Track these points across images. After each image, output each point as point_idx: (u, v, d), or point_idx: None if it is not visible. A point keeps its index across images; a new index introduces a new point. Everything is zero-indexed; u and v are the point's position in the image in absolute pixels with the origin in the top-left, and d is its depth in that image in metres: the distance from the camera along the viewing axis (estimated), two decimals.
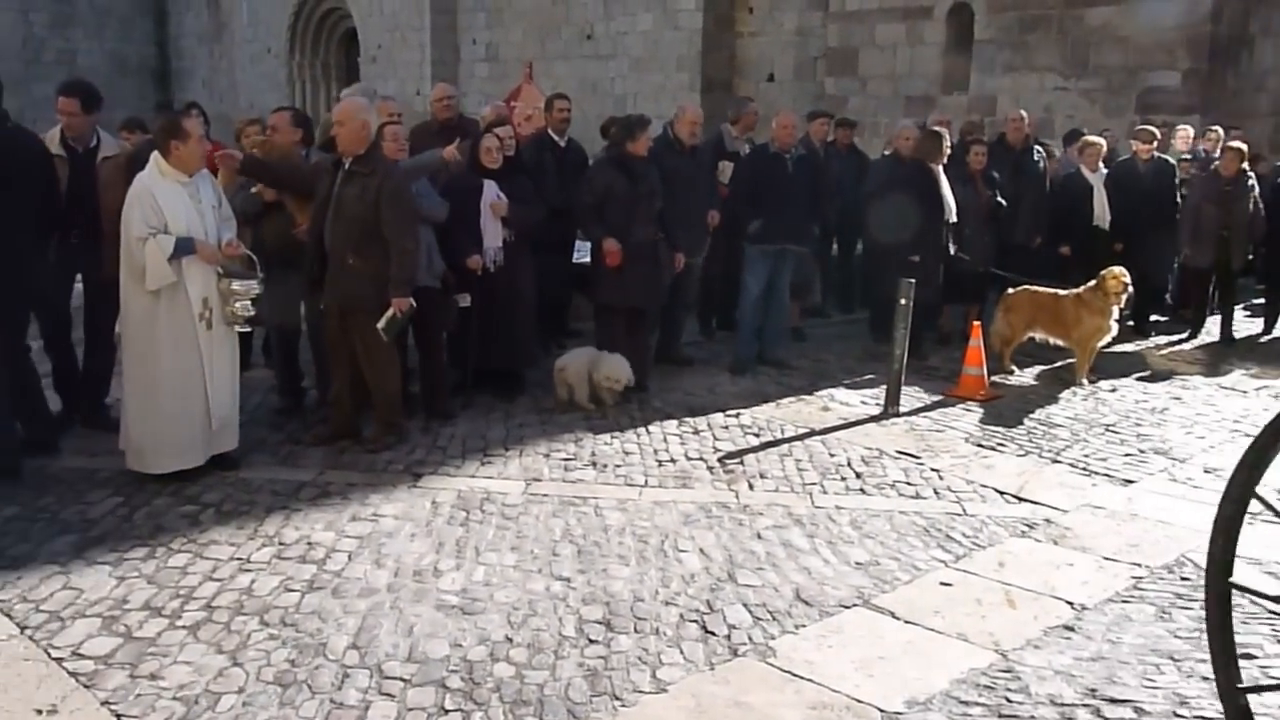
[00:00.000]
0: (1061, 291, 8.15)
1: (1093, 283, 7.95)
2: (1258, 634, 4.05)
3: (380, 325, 5.79)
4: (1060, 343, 8.27)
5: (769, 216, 7.80)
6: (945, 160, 8.33)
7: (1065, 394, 7.73)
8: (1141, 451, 6.44)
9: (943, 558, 4.81)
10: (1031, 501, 5.57)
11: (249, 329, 5.87)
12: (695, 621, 4.13)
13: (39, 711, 3.43)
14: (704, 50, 17.56)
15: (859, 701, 3.58)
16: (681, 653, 3.89)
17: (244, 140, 7.17)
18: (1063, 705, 3.58)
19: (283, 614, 4.08)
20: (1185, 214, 9.55)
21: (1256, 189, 9.53)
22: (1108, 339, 8.12)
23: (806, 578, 4.55)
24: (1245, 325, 10.13)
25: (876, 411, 7.09)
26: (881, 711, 3.53)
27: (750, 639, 4.01)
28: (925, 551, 4.87)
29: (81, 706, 3.46)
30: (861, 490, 5.68)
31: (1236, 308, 9.91)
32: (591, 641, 3.95)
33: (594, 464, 5.93)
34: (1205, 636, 4.04)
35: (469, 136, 7.24)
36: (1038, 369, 8.41)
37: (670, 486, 5.65)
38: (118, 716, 3.42)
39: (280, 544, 4.73)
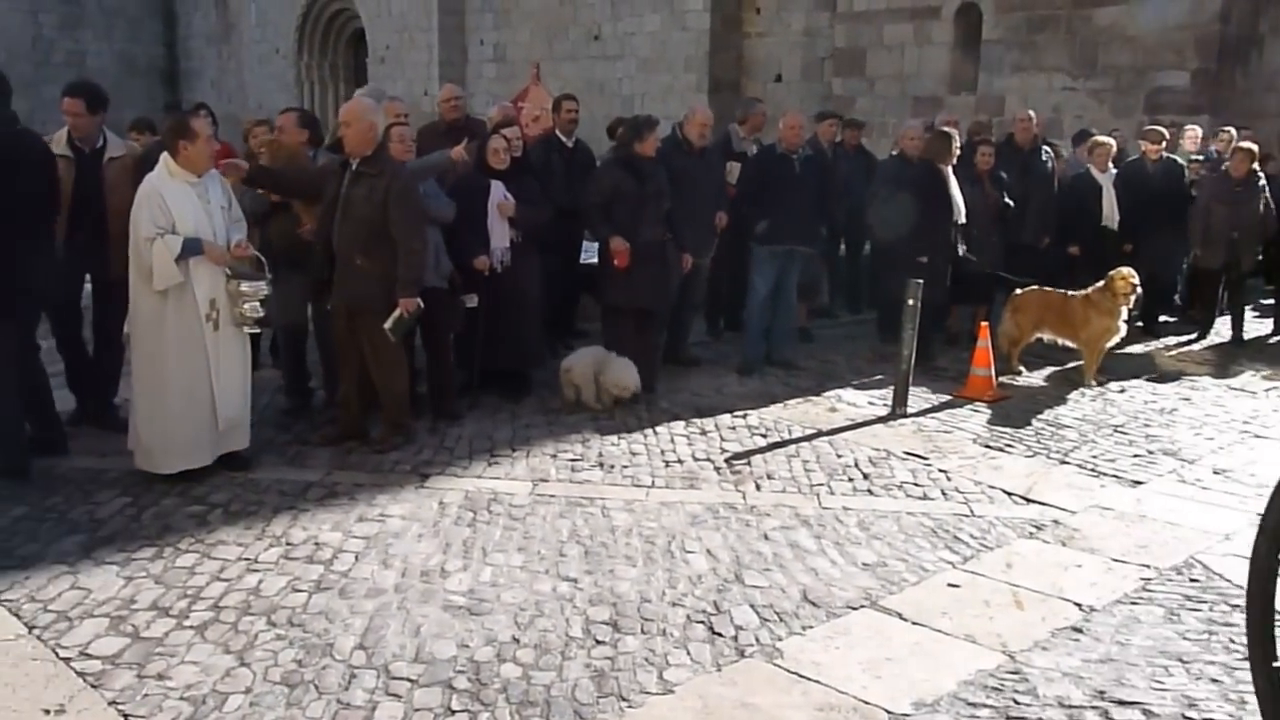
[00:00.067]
0: (1070, 292, 8.14)
1: (1101, 283, 7.93)
2: None
3: (387, 326, 5.79)
4: (1069, 344, 8.26)
5: (776, 217, 7.79)
6: (955, 161, 8.32)
7: (1073, 395, 7.70)
8: (1150, 452, 6.42)
9: (950, 559, 4.80)
10: (1039, 503, 5.55)
11: (258, 330, 5.88)
12: (702, 622, 4.12)
13: (47, 711, 3.44)
14: (711, 51, 17.56)
15: (866, 703, 3.58)
16: (688, 654, 3.89)
17: (252, 141, 7.18)
18: (1071, 707, 3.57)
19: (290, 614, 4.09)
20: (1196, 215, 9.52)
21: (1267, 190, 9.50)
22: (1116, 340, 8.10)
23: (814, 579, 4.54)
24: (1255, 326, 10.09)
25: (884, 412, 7.08)
26: (889, 713, 3.53)
27: (757, 640, 4.00)
28: (933, 553, 4.86)
29: (89, 706, 3.47)
30: (869, 491, 5.67)
31: (1246, 308, 9.87)
32: (598, 642, 3.95)
33: (601, 465, 5.93)
34: (1214, 638, 4.04)
35: (476, 137, 7.24)
36: (1046, 370, 8.39)
37: (677, 487, 5.65)
38: (125, 716, 3.42)
39: (287, 544, 4.74)
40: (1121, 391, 7.85)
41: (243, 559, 4.58)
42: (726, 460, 6.08)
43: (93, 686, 3.57)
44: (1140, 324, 9.60)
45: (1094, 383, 7.92)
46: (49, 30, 27.15)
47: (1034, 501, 5.57)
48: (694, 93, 17.09)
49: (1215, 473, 6.04)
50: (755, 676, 3.75)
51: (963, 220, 8.31)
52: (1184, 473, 6.05)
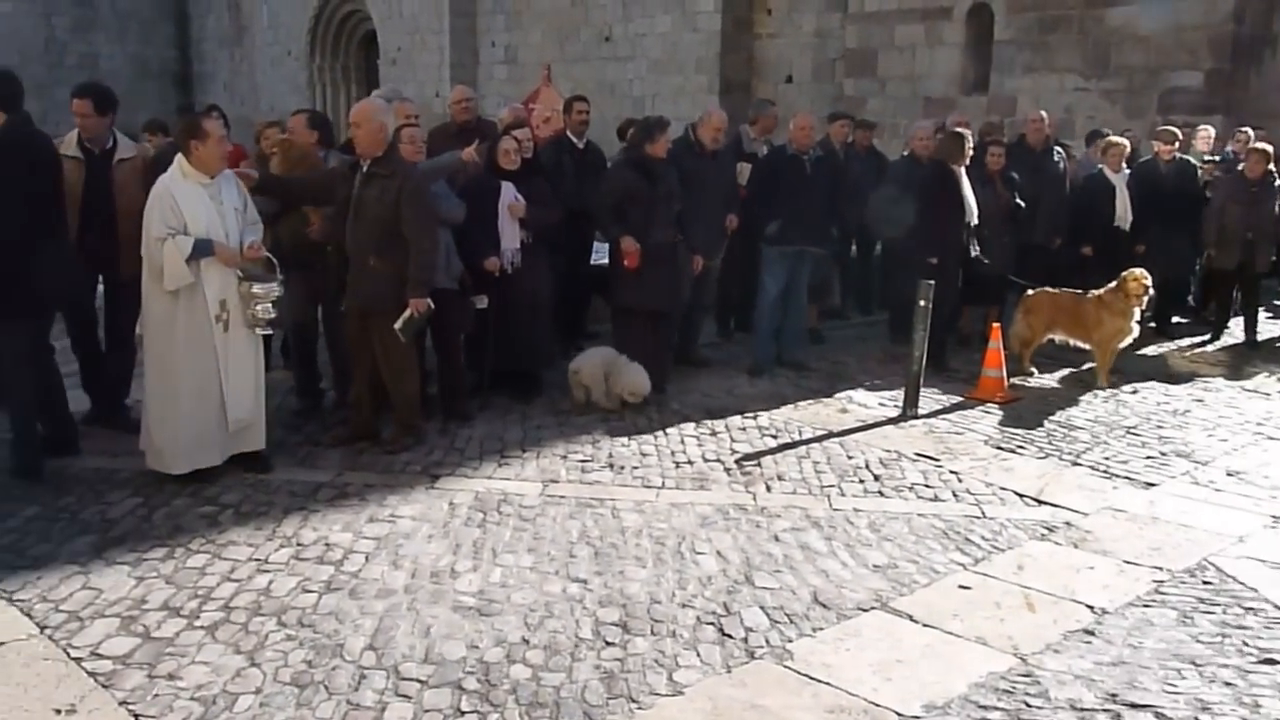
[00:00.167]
0: (1082, 293, 8.10)
1: (1114, 284, 7.90)
2: None
3: (398, 326, 5.80)
4: (1081, 345, 8.23)
5: (787, 218, 7.77)
6: (967, 161, 8.29)
7: (1086, 396, 7.67)
8: (1163, 454, 6.39)
9: (961, 561, 4.79)
10: (1051, 504, 5.53)
11: (270, 331, 5.89)
12: (712, 624, 4.11)
13: (58, 711, 3.45)
14: (722, 52, 17.57)
15: (876, 705, 3.57)
16: (698, 655, 3.88)
17: (263, 142, 7.20)
18: (1083, 710, 3.55)
19: (300, 615, 4.09)
20: (1210, 215, 9.48)
21: None
22: (1129, 341, 8.06)
23: (824, 580, 4.53)
24: (1269, 327, 10.03)
25: (895, 413, 7.06)
26: (899, 715, 3.51)
27: (767, 642, 3.99)
28: (944, 554, 4.84)
29: (100, 706, 3.48)
30: (880, 493, 5.66)
31: (1260, 309, 9.82)
32: (608, 644, 3.94)
33: (611, 465, 5.93)
34: (1227, 641, 4.02)
35: (487, 138, 7.25)
36: (1058, 371, 8.35)
37: (687, 488, 5.64)
38: (136, 716, 3.43)
39: (298, 545, 4.75)
40: (1134, 393, 7.81)
41: (253, 559, 4.59)
42: (737, 461, 6.07)
43: (104, 686, 3.58)
44: (1153, 325, 9.55)
45: (1106, 384, 7.89)
46: (62, 33, 27.32)
47: (1046, 503, 5.55)
48: (705, 94, 17.09)
49: (1228, 475, 6.01)
50: (765, 678, 3.74)
51: (975, 221, 8.29)
52: (1197, 474, 6.02)
